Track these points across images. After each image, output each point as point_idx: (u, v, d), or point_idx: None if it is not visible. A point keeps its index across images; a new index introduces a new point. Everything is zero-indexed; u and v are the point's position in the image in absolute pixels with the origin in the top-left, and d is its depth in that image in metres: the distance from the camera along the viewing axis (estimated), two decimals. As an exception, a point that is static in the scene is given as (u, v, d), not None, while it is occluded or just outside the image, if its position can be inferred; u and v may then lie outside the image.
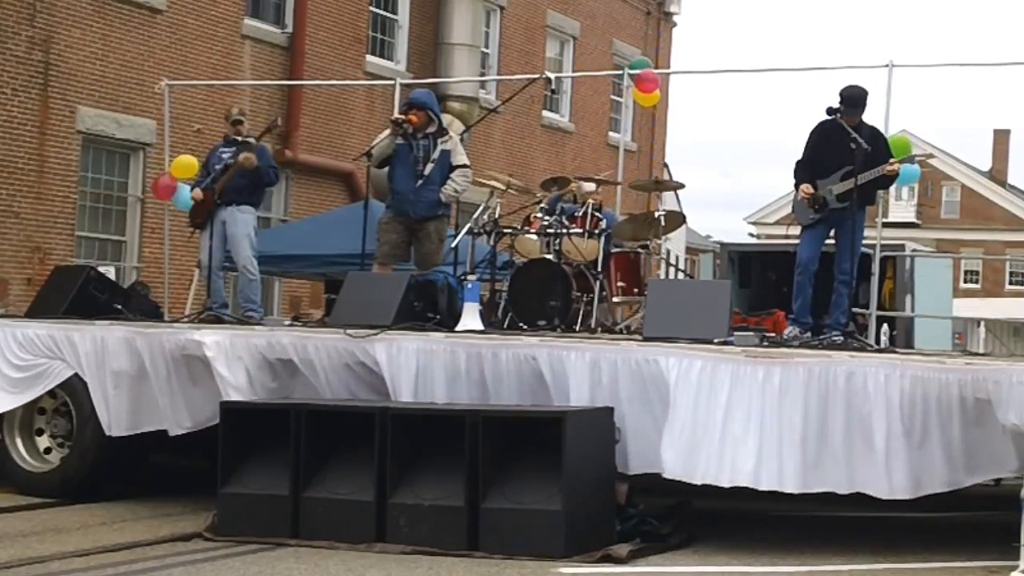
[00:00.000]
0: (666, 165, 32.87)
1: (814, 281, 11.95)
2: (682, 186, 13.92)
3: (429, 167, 12.70)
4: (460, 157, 12.96)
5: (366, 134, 20.70)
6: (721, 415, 9.79)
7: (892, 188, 13.34)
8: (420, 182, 12.67)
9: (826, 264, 12.07)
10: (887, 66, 12.96)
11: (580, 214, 13.01)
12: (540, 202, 13.46)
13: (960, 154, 70.84)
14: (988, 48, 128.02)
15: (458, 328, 11.35)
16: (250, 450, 10.14)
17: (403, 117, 12.75)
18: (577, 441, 9.43)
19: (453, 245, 13.15)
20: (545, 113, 28.28)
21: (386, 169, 13.07)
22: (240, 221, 13.56)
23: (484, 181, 13.70)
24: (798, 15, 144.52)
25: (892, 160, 11.77)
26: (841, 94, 11.79)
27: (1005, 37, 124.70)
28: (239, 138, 13.73)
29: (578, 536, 9.33)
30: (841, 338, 11.31)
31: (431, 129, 12.83)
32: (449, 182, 12.80)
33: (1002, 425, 9.24)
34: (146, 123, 18.77)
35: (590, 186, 13.65)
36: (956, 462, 9.53)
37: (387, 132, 12.94)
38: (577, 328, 12.23)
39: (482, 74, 25.61)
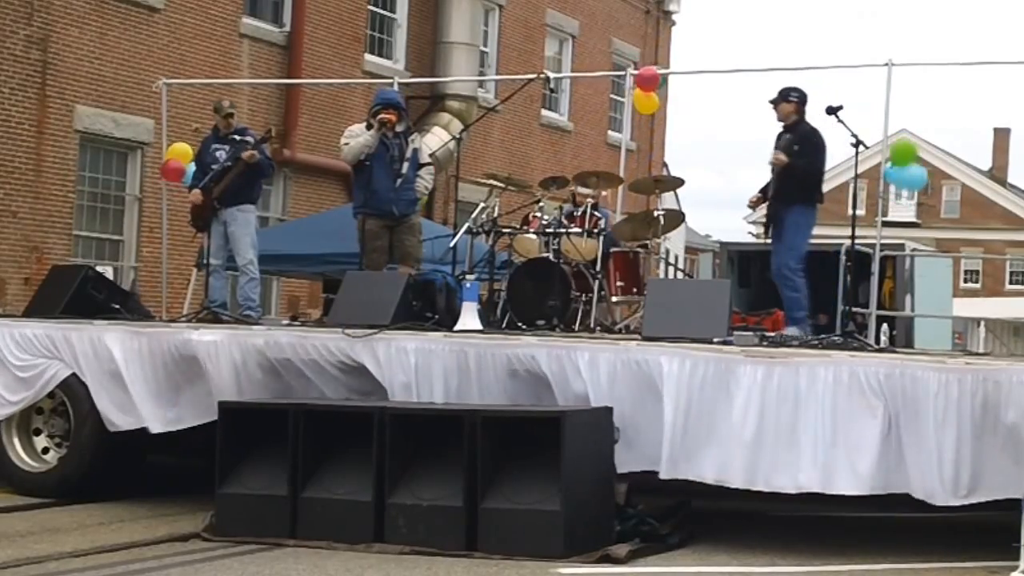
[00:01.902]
0: (665, 164, 32.87)
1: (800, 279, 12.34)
2: (682, 182, 13.87)
3: (405, 166, 12.90)
4: (425, 155, 13.32)
5: (365, 133, 20.66)
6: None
7: (892, 188, 13.42)
8: (400, 181, 12.81)
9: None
10: (887, 65, 12.94)
11: (579, 213, 12.99)
12: (539, 201, 13.45)
13: (960, 153, 70.97)
14: (988, 47, 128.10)
15: (456, 328, 11.32)
16: (248, 450, 10.11)
17: (387, 117, 12.80)
18: (575, 441, 9.40)
19: (452, 244, 13.15)
20: (544, 112, 28.27)
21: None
22: (241, 221, 13.54)
23: (483, 181, 13.71)
24: (798, 15, 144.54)
25: (777, 152, 12.38)
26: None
27: (1005, 36, 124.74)
28: (237, 137, 13.67)
29: (577, 536, 9.30)
30: (806, 337, 11.51)
31: (401, 128, 12.96)
32: (419, 180, 13.10)
33: (1002, 425, 9.22)
34: (144, 122, 18.75)
35: (588, 189, 13.62)
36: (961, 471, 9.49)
37: (364, 130, 12.89)
38: (576, 328, 12.22)
39: (481, 73, 25.60)
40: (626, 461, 10.03)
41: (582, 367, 10.22)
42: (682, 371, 9.89)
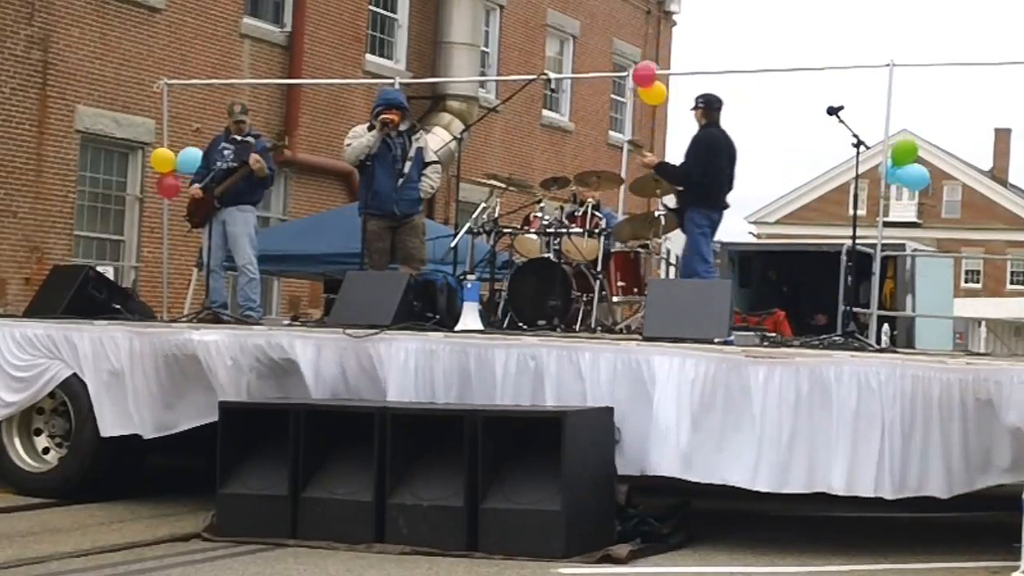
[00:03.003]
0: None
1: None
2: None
3: (408, 165, 12.87)
4: (431, 154, 13.28)
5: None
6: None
7: (893, 188, 13.46)
8: (401, 180, 12.80)
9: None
10: (887, 66, 12.94)
11: (580, 213, 12.98)
12: (540, 201, 13.44)
13: (961, 153, 70.93)
14: (988, 48, 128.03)
15: (457, 328, 11.32)
16: (249, 450, 10.11)
17: (389, 117, 12.81)
18: (576, 441, 9.40)
19: (452, 244, 13.15)
20: (545, 112, 28.25)
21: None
22: (240, 220, 13.55)
23: (484, 181, 13.70)
24: (798, 15, 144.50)
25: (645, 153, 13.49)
26: None
27: (1005, 37, 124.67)
28: (239, 137, 13.69)
29: (578, 536, 9.30)
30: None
31: (404, 127, 12.94)
32: (424, 179, 13.05)
33: (1003, 425, 9.21)
34: (145, 122, 18.75)
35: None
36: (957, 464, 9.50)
37: (366, 130, 12.90)
38: (577, 328, 12.21)
39: (482, 73, 25.59)
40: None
41: (583, 367, 10.22)
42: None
